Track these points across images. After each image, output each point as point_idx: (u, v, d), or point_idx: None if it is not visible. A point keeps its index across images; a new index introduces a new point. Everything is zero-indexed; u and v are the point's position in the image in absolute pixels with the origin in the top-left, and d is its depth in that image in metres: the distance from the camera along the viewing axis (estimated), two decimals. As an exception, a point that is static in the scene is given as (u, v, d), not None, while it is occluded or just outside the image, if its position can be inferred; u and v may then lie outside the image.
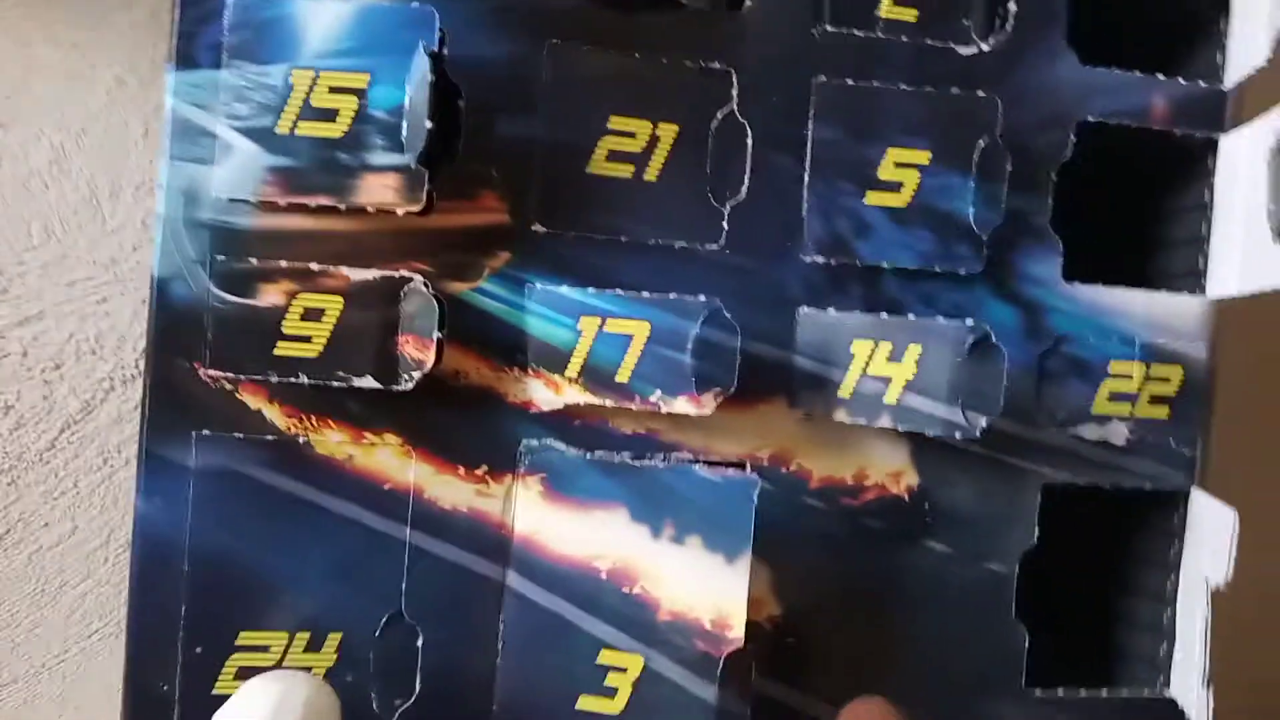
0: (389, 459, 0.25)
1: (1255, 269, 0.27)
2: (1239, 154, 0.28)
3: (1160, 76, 0.28)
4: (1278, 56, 0.27)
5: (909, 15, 0.27)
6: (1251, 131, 0.28)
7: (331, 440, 0.25)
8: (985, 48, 0.28)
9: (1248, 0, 0.29)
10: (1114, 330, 0.28)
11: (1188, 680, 0.28)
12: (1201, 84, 0.29)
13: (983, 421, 0.25)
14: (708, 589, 0.25)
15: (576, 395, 0.25)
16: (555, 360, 0.25)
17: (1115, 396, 0.28)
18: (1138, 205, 0.31)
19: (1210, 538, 0.27)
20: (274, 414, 0.25)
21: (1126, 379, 0.28)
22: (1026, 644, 0.28)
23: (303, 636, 0.25)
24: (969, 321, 0.26)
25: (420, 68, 0.23)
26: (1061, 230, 0.28)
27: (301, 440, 0.25)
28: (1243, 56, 0.29)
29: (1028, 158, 0.28)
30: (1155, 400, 0.29)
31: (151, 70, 0.32)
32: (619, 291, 0.26)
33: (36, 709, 0.33)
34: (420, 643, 0.25)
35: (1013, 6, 0.28)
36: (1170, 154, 0.29)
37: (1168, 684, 0.29)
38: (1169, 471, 0.29)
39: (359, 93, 0.24)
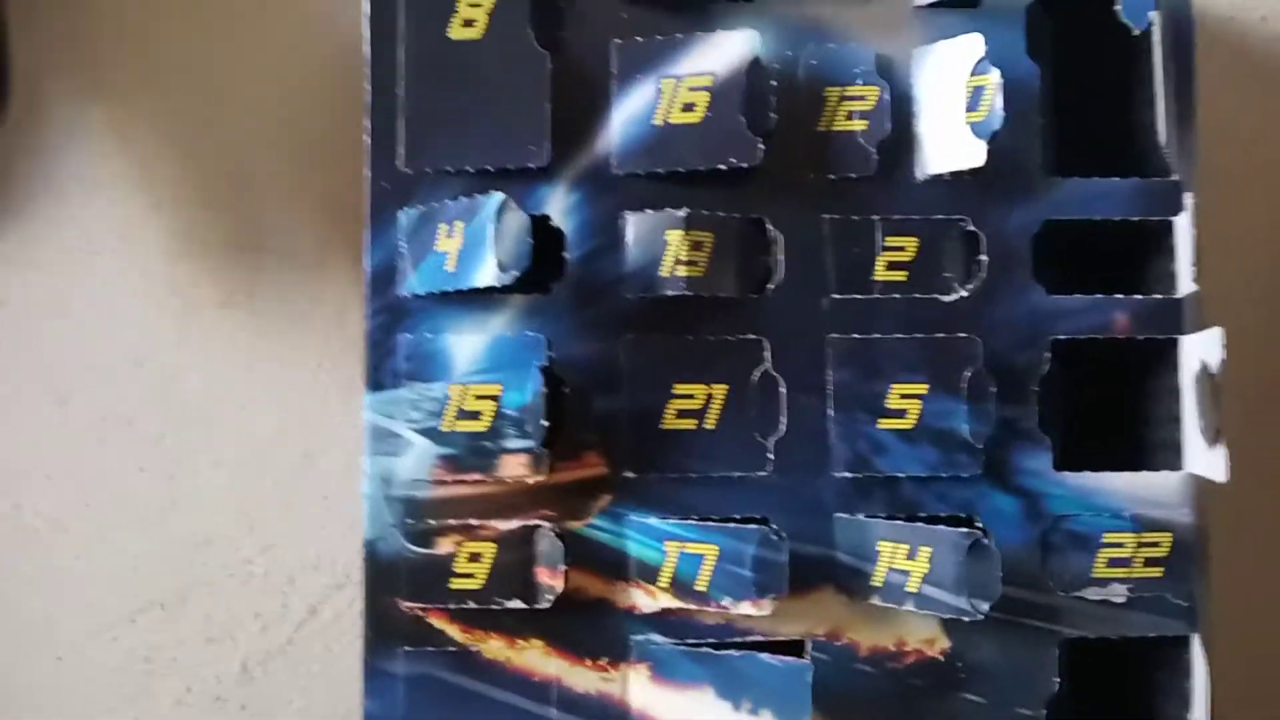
0: (535, 658, 0.34)
1: (1196, 457, 0.33)
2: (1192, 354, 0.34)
3: (1119, 296, 0.35)
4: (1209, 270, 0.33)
5: (900, 276, 0.35)
6: (1190, 343, 0.34)
7: (494, 647, 0.34)
8: (965, 293, 0.35)
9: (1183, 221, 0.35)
10: (1105, 507, 0.35)
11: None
12: (1157, 296, 0.35)
13: (985, 607, 0.32)
14: (781, 748, 0.32)
15: (667, 601, 0.34)
16: (649, 574, 0.34)
17: (1113, 562, 0.34)
18: (1117, 402, 0.37)
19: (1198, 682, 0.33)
20: (453, 631, 0.34)
21: (1119, 547, 0.34)
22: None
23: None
24: (966, 530, 0.33)
25: (535, 380, 0.33)
26: (1053, 428, 0.35)
27: (473, 649, 0.34)
28: (1186, 271, 0.35)
29: (1012, 376, 0.35)
30: (1150, 562, 0.34)
31: (343, 352, 0.44)
32: (693, 520, 0.34)
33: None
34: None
35: (983, 258, 0.35)
36: (1136, 356, 0.35)
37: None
38: (1169, 621, 0.34)
39: (495, 398, 0.34)
